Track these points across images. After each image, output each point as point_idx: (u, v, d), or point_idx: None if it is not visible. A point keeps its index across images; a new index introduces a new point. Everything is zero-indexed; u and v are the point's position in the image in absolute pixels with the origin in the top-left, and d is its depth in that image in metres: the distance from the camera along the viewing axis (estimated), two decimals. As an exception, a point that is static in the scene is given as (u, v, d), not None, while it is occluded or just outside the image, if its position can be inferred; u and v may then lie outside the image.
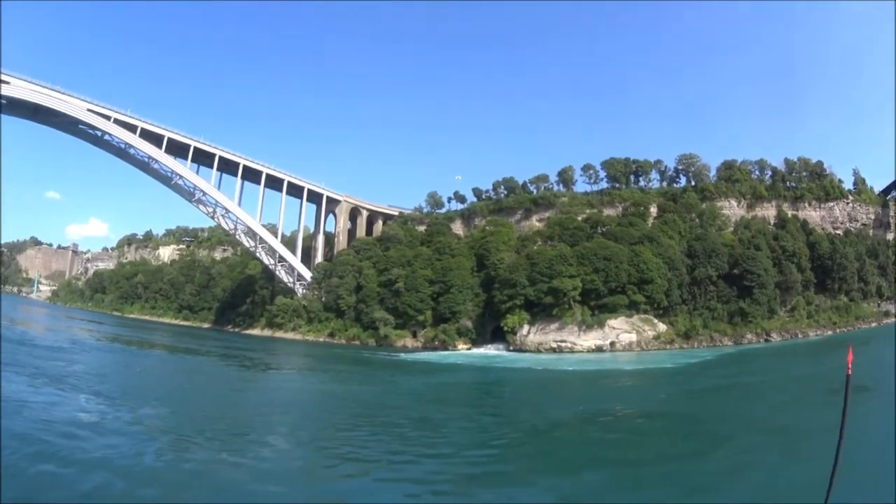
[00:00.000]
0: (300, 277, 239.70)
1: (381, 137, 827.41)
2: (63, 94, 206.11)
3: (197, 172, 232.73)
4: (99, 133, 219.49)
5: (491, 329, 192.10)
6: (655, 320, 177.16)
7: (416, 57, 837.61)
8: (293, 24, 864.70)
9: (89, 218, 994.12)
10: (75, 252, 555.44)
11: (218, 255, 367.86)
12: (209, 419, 65.40)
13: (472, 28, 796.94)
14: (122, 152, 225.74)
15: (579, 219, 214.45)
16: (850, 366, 11.95)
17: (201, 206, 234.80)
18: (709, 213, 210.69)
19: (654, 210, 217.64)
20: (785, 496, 38.50)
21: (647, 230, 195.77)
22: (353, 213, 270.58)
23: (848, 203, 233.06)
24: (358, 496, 42.86)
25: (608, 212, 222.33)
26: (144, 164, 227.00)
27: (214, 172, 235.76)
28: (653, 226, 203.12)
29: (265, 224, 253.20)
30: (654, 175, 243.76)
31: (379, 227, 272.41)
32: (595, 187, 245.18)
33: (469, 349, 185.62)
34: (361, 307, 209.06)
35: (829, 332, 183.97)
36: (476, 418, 75.61)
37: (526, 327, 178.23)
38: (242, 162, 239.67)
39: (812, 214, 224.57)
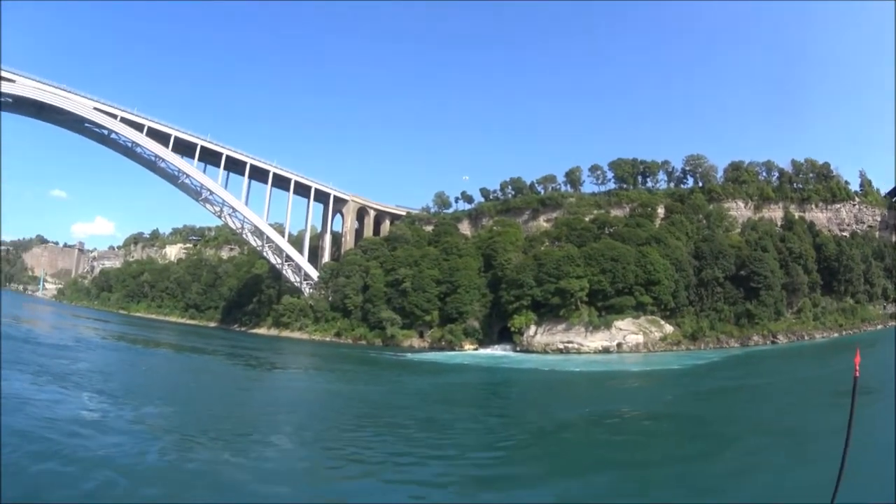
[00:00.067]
0: (307, 277, 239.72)
1: (389, 138, 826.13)
2: (69, 92, 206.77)
3: (204, 171, 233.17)
4: (105, 132, 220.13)
5: (498, 329, 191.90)
6: (662, 322, 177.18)
7: (419, 57, 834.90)
8: (294, 24, 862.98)
9: (96, 216, 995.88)
10: (81, 250, 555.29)
11: (225, 254, 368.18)
12: (214, 418, 65.41)
13: (474, 28, 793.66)
14: (129, 151, 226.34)
15: (587, 219, 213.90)
16: (857, 368, 12.12)
17: (208, 206, 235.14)
18: (716, 215, 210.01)
19: (661, 211, 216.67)
20: (791, 498, 38.65)
21: (654, 231, 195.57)
22: (361, 213, 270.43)
23: (854, 205, 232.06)
24: (362, 497, 42.89)
25: (616, 212, 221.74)
26: (151, 163, 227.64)
27: (221, 171, 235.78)
28: (660, 227, 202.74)
29: (272, 223, 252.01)
30: (661, 176, 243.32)
31: (386, 227, 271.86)
32: (602, 188, 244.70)
33: (476, 349, 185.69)
34: (368, 307, 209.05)
35: (835, 335, 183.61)
36: (482, 419, 75.43)
37: (533, 328, 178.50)
38: (249, 161, 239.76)
39: (819, 216, 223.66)
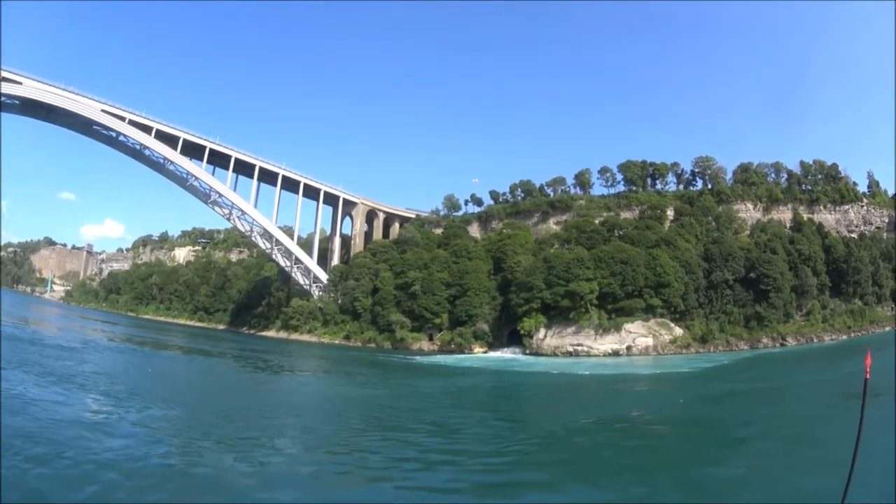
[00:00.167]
0: (316, 279, 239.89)
1: (399, 141, 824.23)
2: (77, 94, 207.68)
3: (213, 174, 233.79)
4: (114, 134, 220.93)
5: (507, 332, 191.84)
6: (672, 324, 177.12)
7: (428, 59, 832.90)
8: (303, 25, 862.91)
9: (104, 219, 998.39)
10: (90, 252, 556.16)
11: (234, 256, 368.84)
12: (219, 421, 64.58)
13: (483, 30, 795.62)
14: (137, 153, 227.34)
15: (596, 222, 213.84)
16: (868, 370, 12.37)
17: (217, 208, 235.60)
18: (725, 217, 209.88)
19: (670, 213, 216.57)
20: (801, 499, 38.77)
21: (663, 233, 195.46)
22: (370, 216, 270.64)
23: (863, 206, 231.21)
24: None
25: (625, 215, 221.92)
26: (160, 166, 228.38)
27: (230, 174, 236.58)
28: (669, 229, 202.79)
29: (281, 226, 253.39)
30: (670, 178, 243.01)
31: (396, 229, 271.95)
32: (612, 190, 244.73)
33: (485, 352, 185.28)
34: (378, 310, 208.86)
35: (844, 337, 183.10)
36: (491, 423, 74.72)
37: (542, 331, 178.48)
38: (258, 164, 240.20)
39: (827, 217, 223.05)
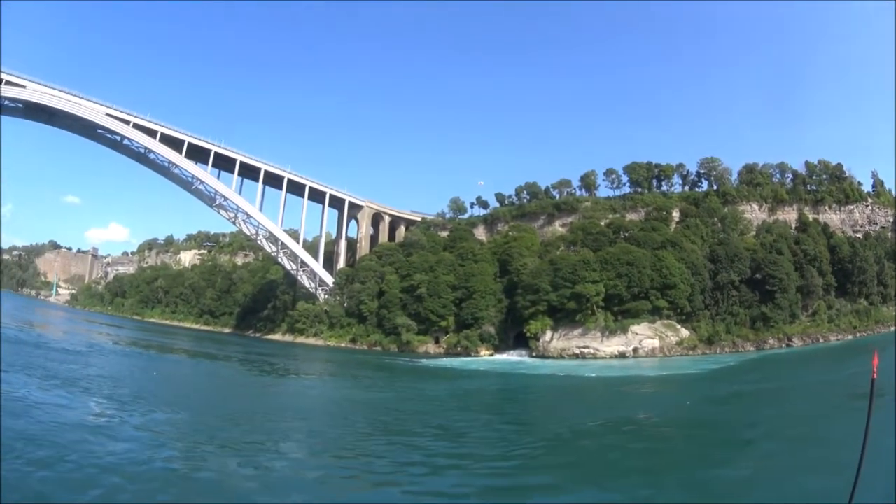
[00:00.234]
0: (322, 283, 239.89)
1: (404, 143, 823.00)
2: (81, 98, 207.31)
3: (218, 177, 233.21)
4: (118, 137, 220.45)
5: (514, 335, 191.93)
6: (678, 326, 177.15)
7: (434, 62, 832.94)
8: (308, 28, 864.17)
9: (109, 222, 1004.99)
10: (95, 256, 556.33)
11: (239, 260, 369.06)
12: (223, 425, 64.71)
13: (488, 32, 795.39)
14: (142, 157, 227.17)
15: (602, 224, 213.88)
16: (875, 370, 12.46)
17: (222, 212, 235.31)
18: (731, 218, 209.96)
19: (676, 214, 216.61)
20: (808, 499, 38.92)
21: (669, 235, 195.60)
22: (376, 219, 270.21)
23: (867, 205, 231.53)
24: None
25: (631, 216, 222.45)
26: (165, 169, 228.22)
27: (235, 177, 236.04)
28: (675, 230, 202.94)
29: (287, 229, 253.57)
30: (676, 179, 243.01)
31: (401, 232, 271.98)
32: (618, 192, 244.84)
33: (492, 355, 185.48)
34: (384, 313, 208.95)
35: (850, 337, 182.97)
36: (498, 427, 74.82)
37: (549, 333, 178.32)
38: (264, 167, 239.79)
39: (832, 217, 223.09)
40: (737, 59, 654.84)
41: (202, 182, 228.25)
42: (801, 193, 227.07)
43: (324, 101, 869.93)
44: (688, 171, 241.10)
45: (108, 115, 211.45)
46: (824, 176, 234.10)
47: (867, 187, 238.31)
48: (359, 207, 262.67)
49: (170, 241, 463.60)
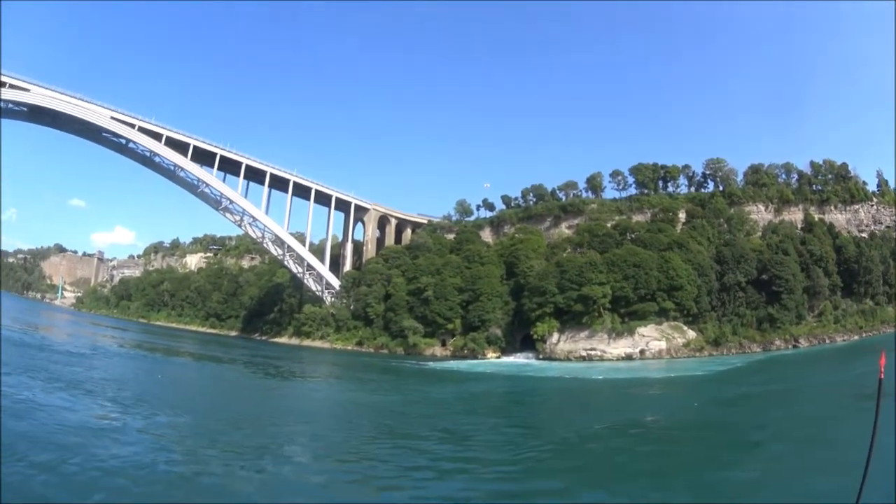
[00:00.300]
0: (328, 286, 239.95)
1: (410, 146, 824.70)
2: (86, 101, 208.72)
3: (224, 181, 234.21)
4: (123, 141, 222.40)
5: (520, 337, 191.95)
6: (685, 327, 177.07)
7: (439, 64, 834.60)
8: (313, 33, 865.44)
9: (115, 226, 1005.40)
10: (101, 259, 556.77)
11: (245, 263, 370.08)
12: (228, 429, 64.21)
13: (494, 34, 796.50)
14: (147, 160, 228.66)
15: (608, 225, 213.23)
16: (882, 370, 12.59)
17: (228, 215, 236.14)
18: (737, 219, 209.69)
19: (682, 216, 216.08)
20: (815, 500, 39.00)
21: (676, 236, 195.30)
22: (382, 222, 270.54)
23: (872, 205, 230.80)
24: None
25: (637, 218, 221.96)
26: (170, 173, 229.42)
27: (241, 181, 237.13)
28: (682, 232, 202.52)
29: (293, 232, 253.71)
30: (682, 180, 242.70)
31: (408, 235, 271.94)
32: (624, 193, 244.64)
33: (498, 358, 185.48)
34: (390, 315, 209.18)
35: (856, 337, 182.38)
36: (504, 430, 74.46)
37: (556, 335, 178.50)
38: (269, 170, 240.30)
39: (838, 217, 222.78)
40: (741, 59, 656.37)
41: (208, 185, 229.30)
42: (807, 193, 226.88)
43: (328, 104, 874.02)
44: (693, 172, 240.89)
45: (112, 118, 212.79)
46: (829, 176, 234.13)
47: (872, 187, 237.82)
48: (365, 210, 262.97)
49: (176, 245, 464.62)
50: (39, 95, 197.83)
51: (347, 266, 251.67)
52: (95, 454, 45.09)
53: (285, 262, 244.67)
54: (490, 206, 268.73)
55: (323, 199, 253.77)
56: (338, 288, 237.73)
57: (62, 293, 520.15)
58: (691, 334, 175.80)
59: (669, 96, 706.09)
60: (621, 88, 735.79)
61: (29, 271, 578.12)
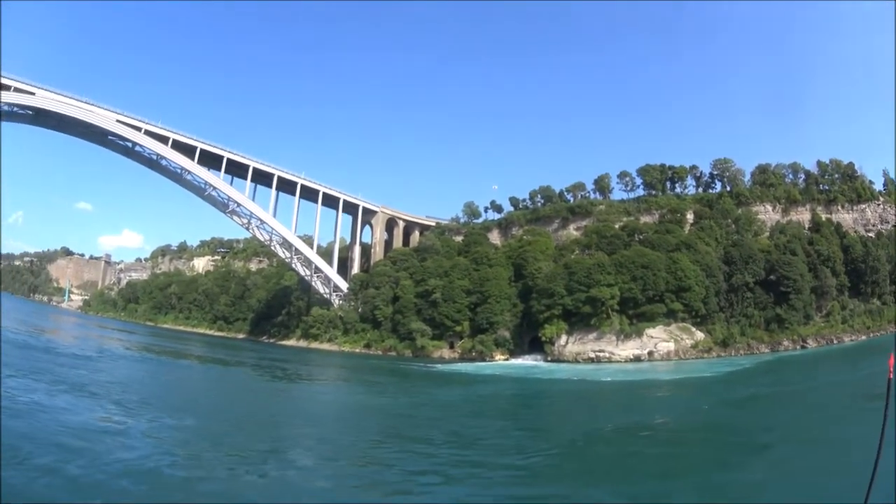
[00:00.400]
0: (336, 288, 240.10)
1: (418, 149, 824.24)
2: (92, 105, 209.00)
3: (231, 184, 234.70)
4: (130, 144, 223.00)
5: (529, 339, 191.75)
6: (693, 328, 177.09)
7: (447, 67, 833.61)
8: (319, 36, 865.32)
9: (122, 229, 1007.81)
10: (108, 262, 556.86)
11: (253, 266, 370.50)
12: (232, 432, 64.50)
13: (500, 36, 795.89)
14: (154, 163, 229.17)
15: (616, 227, 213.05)
16: (891, 370, 12.74)
17: (235, 217, 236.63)
18: (744, 219, 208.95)
19: (690, 217, 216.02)
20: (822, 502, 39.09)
21: (684, 237, 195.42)
22: (390, 224, 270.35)
23: (879, 204, 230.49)
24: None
25: (645, 219, 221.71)
26: (177, 176, 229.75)
27: (248, 183, 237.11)
28: (690, 232, 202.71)
29: (301, 235, 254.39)
30: (689, 181, 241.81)
31: (416, 237, 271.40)
32: (631, 195, 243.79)
33: (507, 360, 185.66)
34: (398, 318, 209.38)
35: (863, 337, 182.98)
36: (512, 433, 74.84)
37: (564, 337, 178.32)
38: (277, 173, 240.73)
39: (845, 217, 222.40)
40: (740, 59, 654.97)
41: (215, 188, 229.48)
42: (814, 193, 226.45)
43: (330, 106, 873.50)
44: (701, 173, 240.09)
45: (118, 121, 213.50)
46: (836, 175, 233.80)
47: (878, 186, 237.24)
48: (373, 213, 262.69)
49: (183, 248, 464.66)
50: (45, 99, 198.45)
51: (355, 268, 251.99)
52: (99, 456, 45.38)
53: (293, 265, 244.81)
54: (498, 208, 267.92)
55: (331, 201, 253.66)
56: (346, 290, 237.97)
57: (69, 296, 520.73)
58: (699, 335, 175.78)
59: (670, 97, 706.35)
60: (622, 89, 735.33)
61: (35, 274, 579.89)
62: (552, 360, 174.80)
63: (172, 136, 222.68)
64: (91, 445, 48.40)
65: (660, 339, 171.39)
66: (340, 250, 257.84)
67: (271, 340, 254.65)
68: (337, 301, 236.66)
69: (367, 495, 45.42)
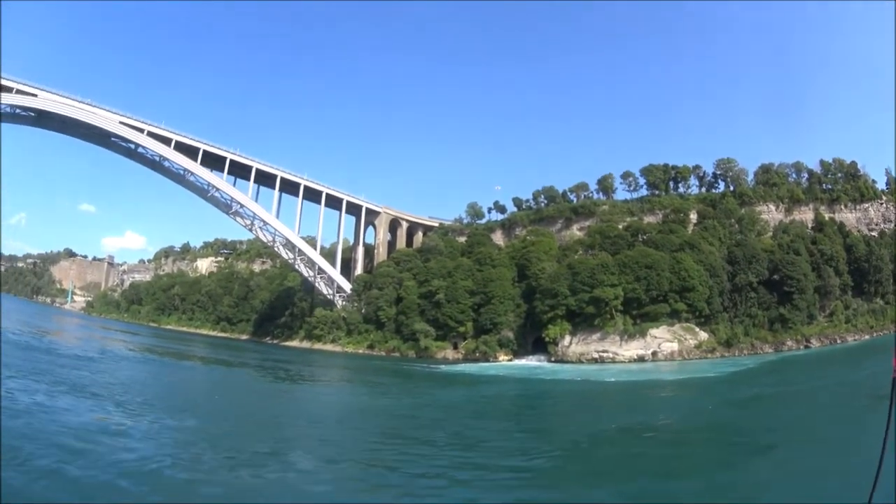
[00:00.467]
0: (340, 289, 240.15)
1: (421, 150, 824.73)
2: (94, 106, 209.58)
3: (234, 185, 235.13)
4: (132, 146, 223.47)
5: (532, 340, 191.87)
6: (697, 329, 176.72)
7: (451, 69, 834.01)
8: (324, 37, 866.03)
9: (125, 231, 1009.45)
10: (111, 264, 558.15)
11: (256, 267, 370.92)
12: (234, 433, 64.13)
13: (502, 38, 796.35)
14: (157, 165, 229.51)
15: (620, 227, 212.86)
16: (895, 370, 12.50)
17: (239, 219, 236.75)
18: (748, 219, 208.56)
19: (693, 216, 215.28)
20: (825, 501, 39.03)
21: (687, 237, 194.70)
22: (393, 225, 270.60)
23: (882, 203, 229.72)
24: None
25: (648, 219, 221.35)
26: (180, 177, 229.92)
27: (251, 185, 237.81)
28: (693, 232, 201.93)
29: (304, 236, 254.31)
30: (692, 181, 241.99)
31: (419, 238, 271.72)
32: (635, 195, 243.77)
33: (510, 360, 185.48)
34: (401, 319, 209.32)
35: (867, 337, 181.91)
36: (516, 435, 74.05)
37: (567, 338, 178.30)
38: (280, 174, 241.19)
39: (848, 216, 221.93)
40: (741, 59, 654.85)
41: (218, 189, 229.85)
42: (817, 193, 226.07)
43: (336, 108, 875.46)
44: (704, 173, 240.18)
45: (121, 123, 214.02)
46: (839, 175, 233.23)
47: (881, 185, 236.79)
48: (376, 213, 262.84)
49: (186, 249, 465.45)
50: (47, 100, 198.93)
51: (359, 269, 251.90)
52: (100, 457, 45.10)
53: (296, 266, 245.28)
54: (501, 209, 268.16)
55: (334, 202, 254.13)
56: (349, 291, 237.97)
57: (72, 297, 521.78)
58: (703, 335, 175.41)
59: (672, 98, 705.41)
60: (622, 89, 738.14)
61: (38, 276, 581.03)
62: (556, 361, 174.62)
63: (175, 137, 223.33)
64: (92, 446, 48.03)
65: (663, 340, 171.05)
66: (344, 251, 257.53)
67: (275, 341, 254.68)
68: (340, 302, 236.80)
69: (369, 497, 45.08)
